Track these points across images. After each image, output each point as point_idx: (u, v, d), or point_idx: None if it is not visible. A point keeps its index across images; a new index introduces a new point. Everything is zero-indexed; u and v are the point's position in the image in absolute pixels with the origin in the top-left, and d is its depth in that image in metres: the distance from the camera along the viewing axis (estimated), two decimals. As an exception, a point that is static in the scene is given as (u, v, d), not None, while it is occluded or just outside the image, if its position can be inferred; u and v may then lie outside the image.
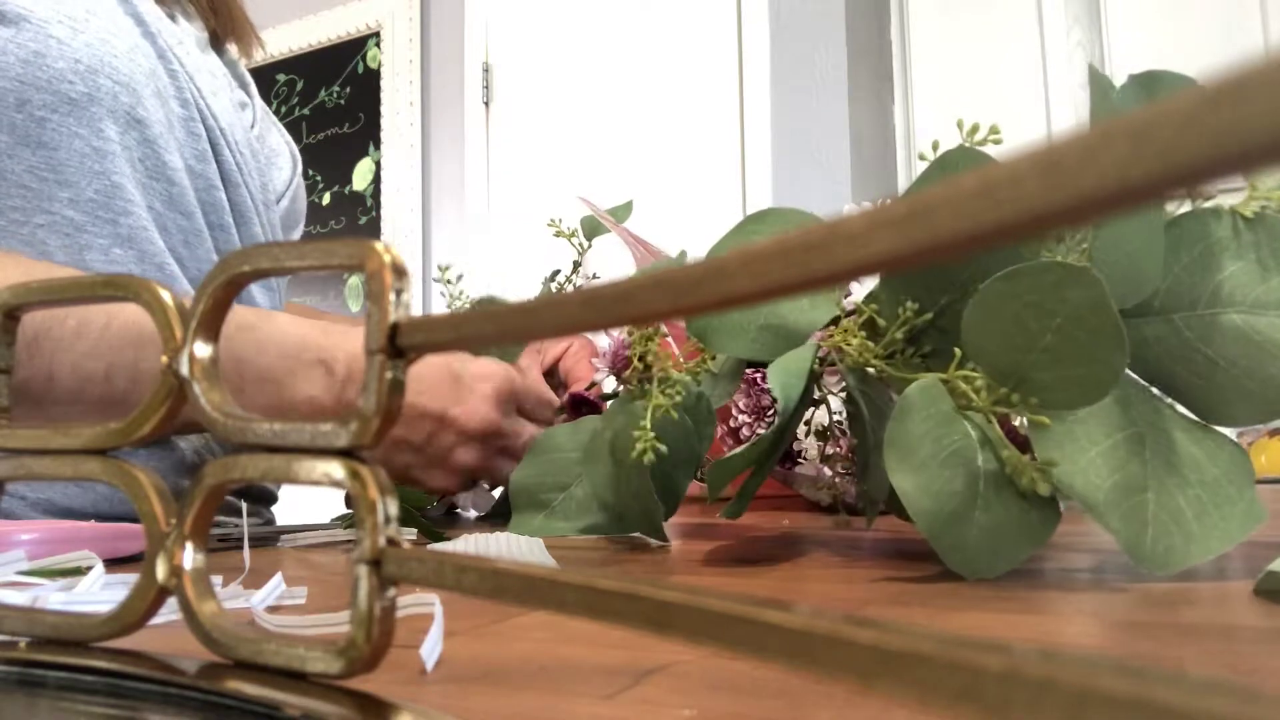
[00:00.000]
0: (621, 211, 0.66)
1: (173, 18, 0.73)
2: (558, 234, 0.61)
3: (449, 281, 0.65)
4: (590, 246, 0.63)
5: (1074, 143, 0.08)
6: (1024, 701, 0.08)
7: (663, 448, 0.39)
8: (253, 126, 0.77)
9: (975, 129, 0.36)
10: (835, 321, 0.39)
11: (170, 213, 0.65)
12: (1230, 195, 0.34)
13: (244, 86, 0.81)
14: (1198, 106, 0.07)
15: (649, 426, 0.39)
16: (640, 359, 0.43)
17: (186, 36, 0.72)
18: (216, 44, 0.81)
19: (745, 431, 0.63)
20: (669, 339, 0.57)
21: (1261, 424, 0.34)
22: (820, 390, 0.45)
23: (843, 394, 0.42)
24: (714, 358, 0.45)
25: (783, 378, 0.37)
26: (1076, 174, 0.08)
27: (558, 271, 0.70)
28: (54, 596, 0.25)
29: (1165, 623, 0.24)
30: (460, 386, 0.57)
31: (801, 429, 0.60)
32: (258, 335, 0.54)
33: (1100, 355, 0.29)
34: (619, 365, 0.59)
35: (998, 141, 0.35)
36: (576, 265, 0.65)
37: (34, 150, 0.59)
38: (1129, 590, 0.29)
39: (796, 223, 0.39)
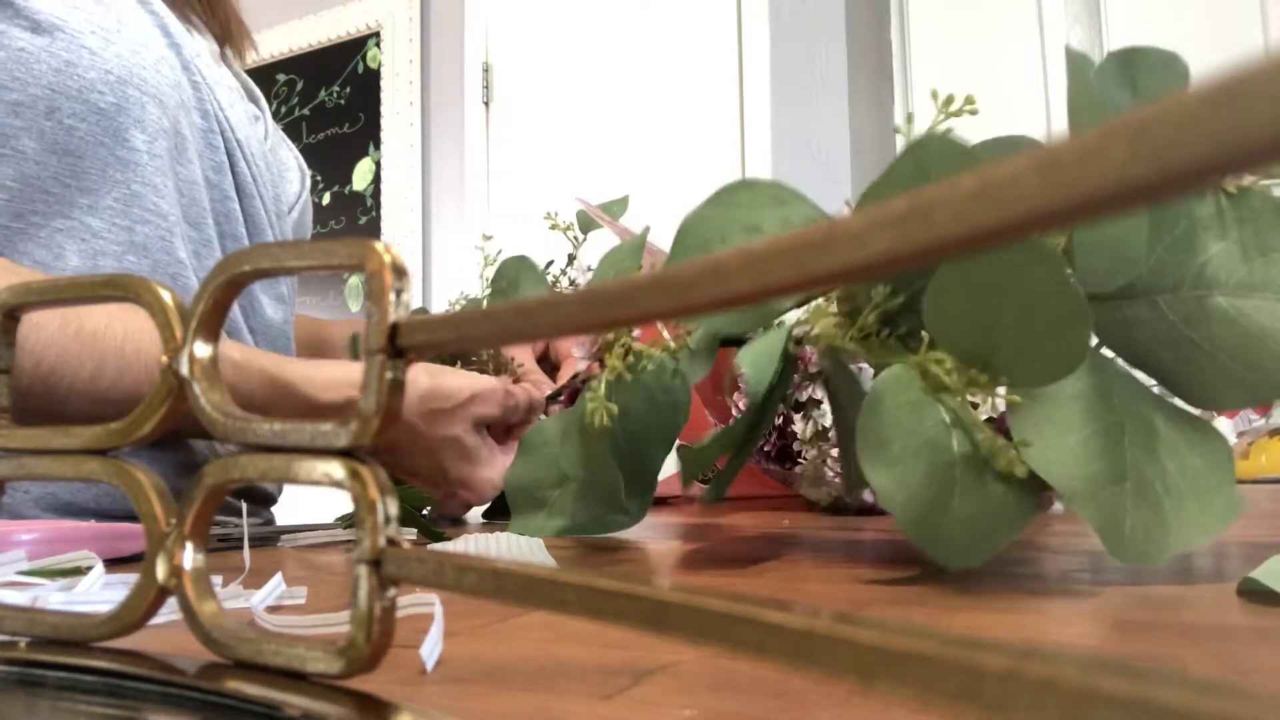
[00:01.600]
0: (617, 207, 0.66)
1: (189, 32, 0.74)
2: (553, 226, 0.60)
3: (486, 256, 0.64)
4: (585, 240, 0.63)
5: (1074, 143, 0.08)
6: (1024, 701, 0.08)
7: (614, 407, 0.39)
8: (265, 139, 0.77)
9: (950, 100, 0.35)
10: (810, 300, 0.39)
11: (183, 223, 0.66)
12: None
13: (254, 100, 0.82)
14: (1198, 106, 0.07)
15: (602, 391, 0.39)
16: (613, 337, 0.43)
17: (203, 49, 0.73)
18: (227, 57, 0.82)
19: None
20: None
21: (1250, 408, 0.33)
22: (799, 372, 0.44)
23: (821, 379, 0.42)
24: (690, 333, 0.45)
25: (754, 360, 0.37)
26: (1076, 174, 0.08)
27: (551, 263, 0.70)
28: (54, 596, 0.25)
29: (1164, 623, 0.24)
30: (417, 437, 0.57)
31: (801, 426, 0.60)
32: (318, 375, 0.55)
33: (1065, 331, 0.29)
34: (598, 351, 0.59)
35: (973, 113, 0.35)
36: (571, 258, 0.65)
37: (60, 158, 0.60)
38: (1128, 590, 0.29)
39: (772, 196, 0.39)
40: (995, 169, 0.09)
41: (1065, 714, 0.08)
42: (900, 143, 0.39)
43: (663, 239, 0.65)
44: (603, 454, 0.42)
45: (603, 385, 0.40)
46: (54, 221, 0.60)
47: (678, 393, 0.45)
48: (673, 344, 0.44)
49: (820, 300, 0.39)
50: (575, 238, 0.63)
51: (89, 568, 0.28)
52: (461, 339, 0.15)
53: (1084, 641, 0.23)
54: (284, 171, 0.80)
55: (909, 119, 0.37)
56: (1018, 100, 2.15)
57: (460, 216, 2.72)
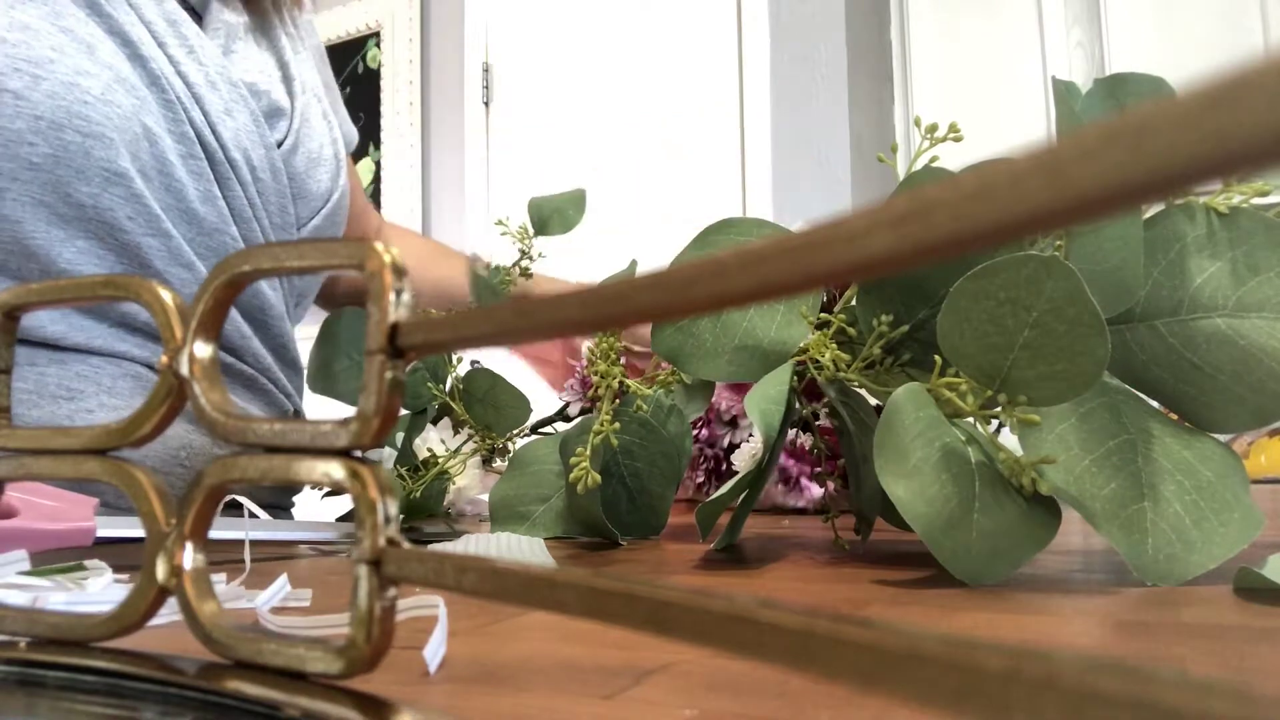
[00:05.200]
0: (572, 208, 0.62)
1: (202, 9, 0.65)
2: (504, 234, 0.59)
3: (510, 233, 0.61)
4: (533, 240, 0.61)
5: (1074, 143, 0.08)
6: (1024, 701, 0.08)
7: (597, 476, 0.39)
8: (283, 141, 0.67)
9: (934, 128, 0.35)
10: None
11: (172, 267, 0.58)
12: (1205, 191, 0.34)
13: (287, 80, 0.70)
14: (1197, 107, 0.07)
15: (587, 453, 0.39)
16: (599, 376, 0.43)
17: (207, 41, 0.62)
18: (264, 22, 0.70)
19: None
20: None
21: (1255, 429, 0.34)
22: (803, 405, 0.44)
23: (826, 409, 0.42)
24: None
25: (762, 404, 0.35)
26: (1076, 174, 0.08)
27: (516, 262, 0.66)
28: (54, 596, 0.25)
29: (1164, 622, 0.24)
30: None
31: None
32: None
33: (1082, 346, 0.29)
34: (587, 388, 0.59)
35: (958, 139, 0.35)
36: (524, 253, 0.62)
37: None
38: (1127, 590, 0.29)
39: (756, 234, 0.39)
40: (995, 169, 0.09)
41: (1065, 714, 0.08)
42: (901, 144, 0.39)
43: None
44: (595, 509, 0.42)
45: (589, 445, 0.39)
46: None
47: (677, 429, 0.45)
48: (663, 377, 0.44)
49: (818, 333, 0.39)
50: (527, 233, 0.60)
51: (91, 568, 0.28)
52: (461, 339, 0.15)
53: (1084, 641, 0.23)
54: (311, 169, 0.69)
55: (893, 149, 0.37)
56: (1018, 100, 2.15)
57: (460, 217, 2.72)
